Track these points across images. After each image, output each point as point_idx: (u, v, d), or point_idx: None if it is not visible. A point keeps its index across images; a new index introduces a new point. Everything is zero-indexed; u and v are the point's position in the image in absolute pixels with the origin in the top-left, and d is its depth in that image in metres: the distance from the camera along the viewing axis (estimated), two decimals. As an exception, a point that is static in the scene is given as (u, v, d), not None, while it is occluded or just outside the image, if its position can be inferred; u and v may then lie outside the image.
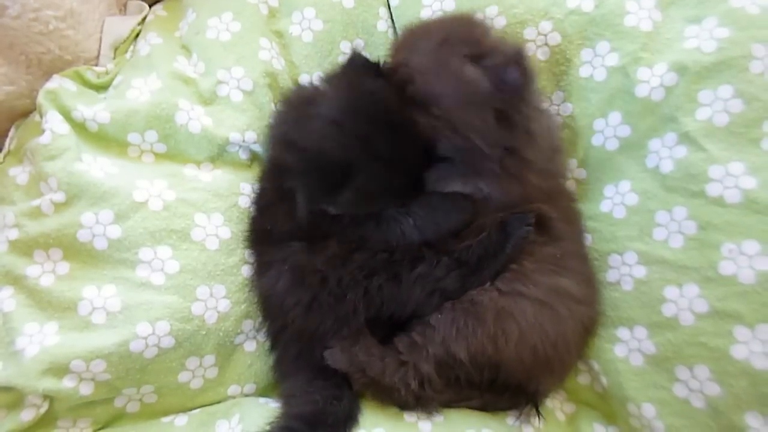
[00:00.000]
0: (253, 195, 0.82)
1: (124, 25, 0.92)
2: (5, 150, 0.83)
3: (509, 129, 0.70)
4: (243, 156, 0.84)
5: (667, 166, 0.73)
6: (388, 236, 0.73)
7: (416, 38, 0.75)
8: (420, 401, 0.71)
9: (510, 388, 0.73)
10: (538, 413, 0.74)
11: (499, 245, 0.71)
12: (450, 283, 0.71)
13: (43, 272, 0.73)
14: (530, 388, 0.73)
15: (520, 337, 0.69)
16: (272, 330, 0.79)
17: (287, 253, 0.73)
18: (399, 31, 0.92)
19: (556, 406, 0.79)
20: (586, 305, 0.74)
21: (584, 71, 0.81)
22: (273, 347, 0.79)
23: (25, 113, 0.86)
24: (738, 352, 0.65)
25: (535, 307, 0.69)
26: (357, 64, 0.75)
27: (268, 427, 0.68)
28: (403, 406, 0.72)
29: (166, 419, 0.75)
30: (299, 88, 0.84)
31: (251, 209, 0.81)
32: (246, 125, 0.84)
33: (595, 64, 0.80)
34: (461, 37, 0.72)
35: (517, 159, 0.72)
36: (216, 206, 0.79)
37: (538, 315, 0.69)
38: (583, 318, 0.74)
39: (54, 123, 0.77)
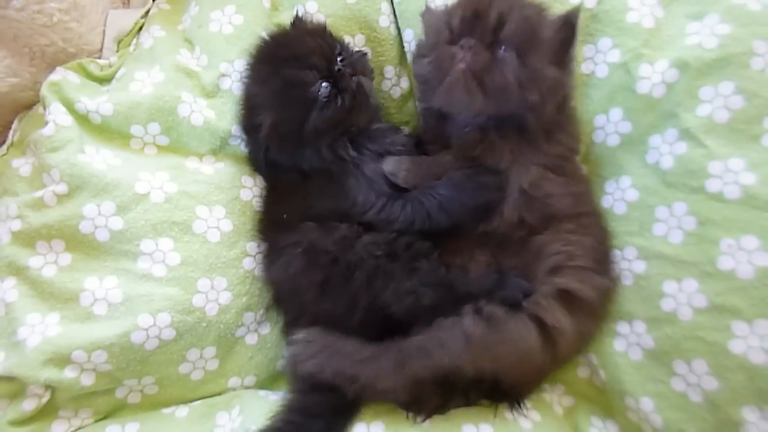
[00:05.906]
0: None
1: (127, 18, 0.93)
2: (8, 141, 0.84)
3: None
4: (245, 149, 0.84)
5: (667, 162, 0.73)
6: (414, 218, 0.74)
7: None
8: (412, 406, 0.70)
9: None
10: (519, 406, 0.74)
11: (490, 292, 0.71)
12: (427, 297, 0.70)
13: (46, 263, 0.73)
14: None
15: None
16: (288, 320, 0.79)
17: (300, 234, 0.74)
18: (401, 27, 0.92)
19: (555, 399, 0.79)
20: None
21: (586, 67, 0.81)
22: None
23: (29, 105, 0.87)
24: (736, 346, 0.65)
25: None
26: None
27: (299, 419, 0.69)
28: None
29: (166, 410, 0.76)
30: None
31: (265, 199, 0.83)
32: (248, 118, 0.84)
33: (596, 61, 0.80)
34: None
35: None
36: (218, 199, 0.79)
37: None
38: None
39: (57, 115, 0.77)
